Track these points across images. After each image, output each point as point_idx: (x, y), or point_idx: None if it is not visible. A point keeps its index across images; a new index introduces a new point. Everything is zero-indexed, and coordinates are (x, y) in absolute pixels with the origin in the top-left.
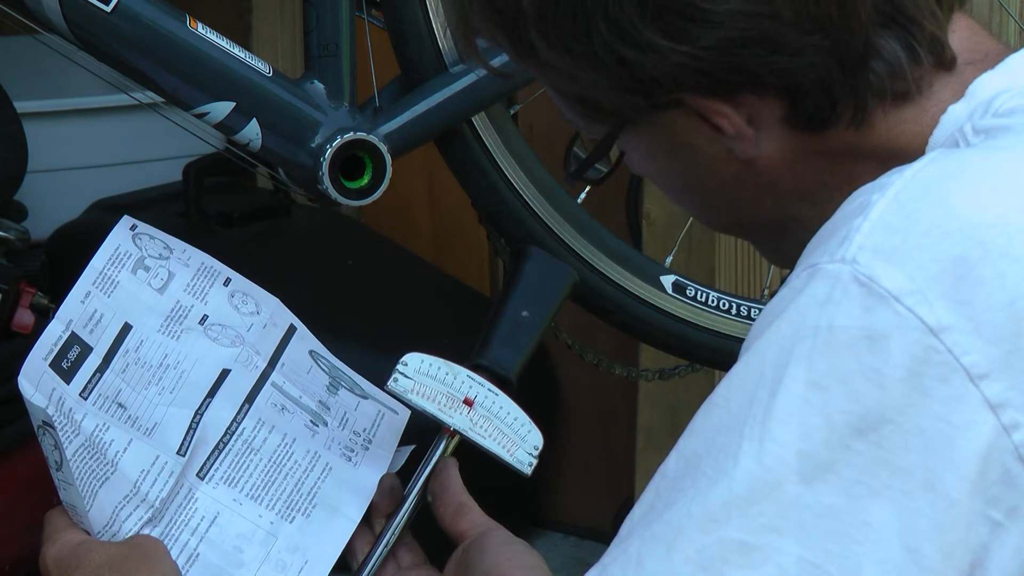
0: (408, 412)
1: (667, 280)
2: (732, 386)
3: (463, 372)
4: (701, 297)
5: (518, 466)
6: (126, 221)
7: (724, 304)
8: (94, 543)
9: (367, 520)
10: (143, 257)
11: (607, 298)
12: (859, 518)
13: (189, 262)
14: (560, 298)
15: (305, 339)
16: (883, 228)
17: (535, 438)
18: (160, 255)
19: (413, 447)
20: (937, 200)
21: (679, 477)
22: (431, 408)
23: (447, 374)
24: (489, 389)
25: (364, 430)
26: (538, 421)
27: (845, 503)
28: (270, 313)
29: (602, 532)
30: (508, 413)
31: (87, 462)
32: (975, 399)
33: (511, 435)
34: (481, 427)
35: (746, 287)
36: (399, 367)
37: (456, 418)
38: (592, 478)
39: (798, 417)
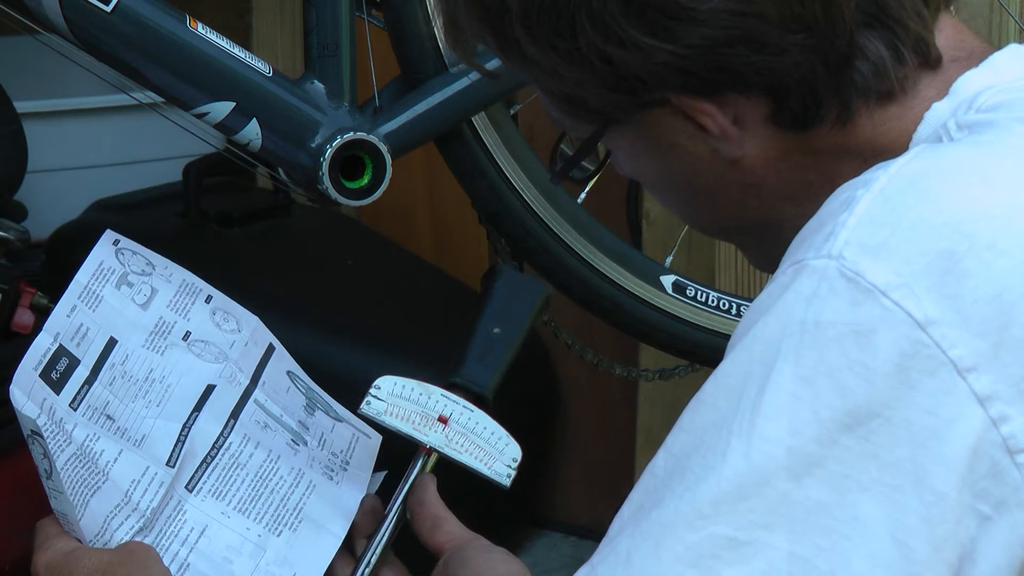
0: (380, 437)
1: (667, 280)
2: (720, 383)
3: (437, 391)
4: (701, 297)
5: (496, 478)
6: (108, 236)
7: (724, 304)
8: (86, 550)
9: (348, 542)
10: (126, 273)
11: (607, 298)
12: (848, 513)
13: (171, 279)
14: (532, 314)
15: (283, 359)
16: (869, 223)
17: (513, 451)
18: (143, 271)
19: (386, 472)
20: (922, 194)
21: (668, 475)
22: (405, 428)
23: (420, 394)
24: (464, 406)
25: (341, 451)
26: (537, 421)
27: (834, 498)
28: (250, 332)
29: (602, 532)
30: (484, 428)
31: (78, 471)
32: (963, 392)
33: (488, 449)
34: (457, 443)
35: (746, 287)
36: (372, 391)
37: (431, 436)
38: (592, 478)
39: (786, 413)
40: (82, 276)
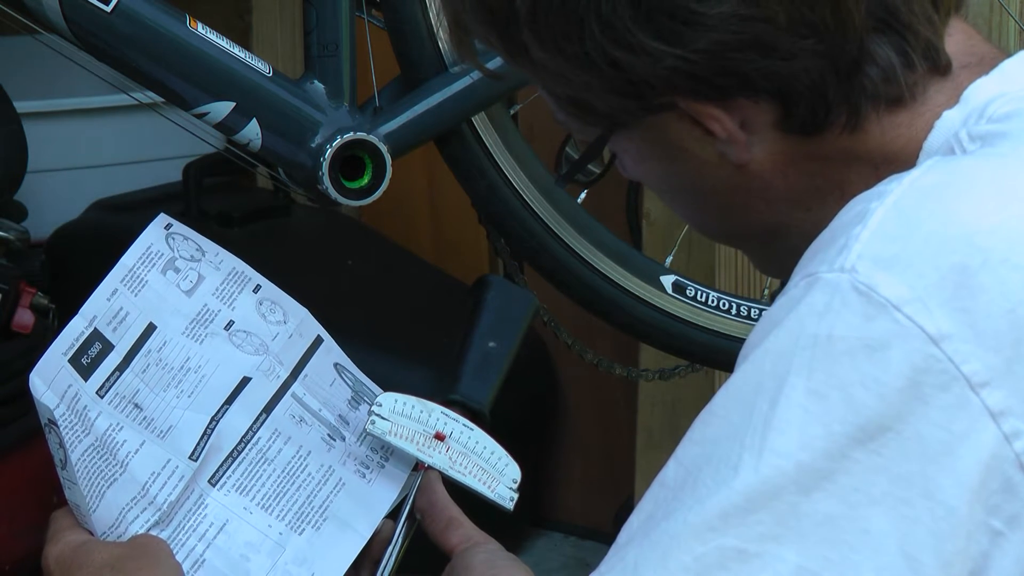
0: None
1: (667, 280)
2: (731, 395)
3: (437, 409)
4: (701, 297)
5: (500, 501)
6: (161, 219)
7: (724, 304)
8: (96, 543)
9: (354, 568)
10: (174, 258)
11: (607, 298)
12: (858, 526)
13: (220, 266)
14: (524, 325)
15: (331, 351)
16: (882, 236)
17: (513, 471)
18: (192, 257)
19: (426, 470)
20: (936, 207)
21: (678, 487)
22: (410, 448)
23: (422, 412)
24: (464, 424)
25: (382, 447)
26: (537, 421)
27: (844, 511)
28: (297, 323)
29: (602, 532)
30: (485, 448)
31: (95, 462)
32: (976, 407)
33: (489, 470)
34: (460, 464)
35: (746, 287)
36: (374, 408)
37: (435, 457)
38: (592, 478)
39: (797, 427)
40: (128, 259)
